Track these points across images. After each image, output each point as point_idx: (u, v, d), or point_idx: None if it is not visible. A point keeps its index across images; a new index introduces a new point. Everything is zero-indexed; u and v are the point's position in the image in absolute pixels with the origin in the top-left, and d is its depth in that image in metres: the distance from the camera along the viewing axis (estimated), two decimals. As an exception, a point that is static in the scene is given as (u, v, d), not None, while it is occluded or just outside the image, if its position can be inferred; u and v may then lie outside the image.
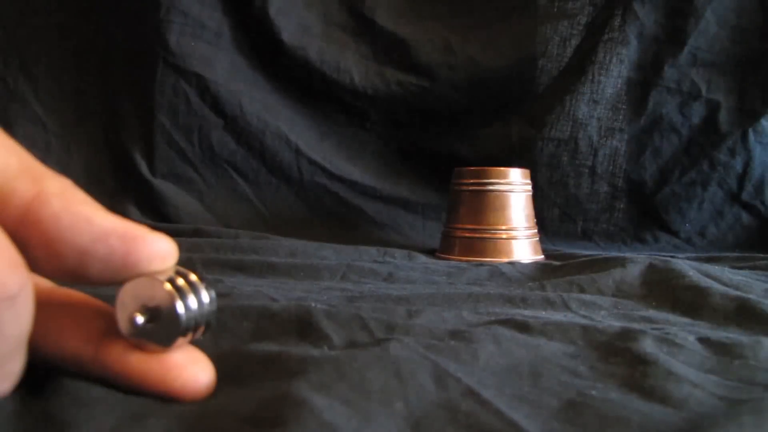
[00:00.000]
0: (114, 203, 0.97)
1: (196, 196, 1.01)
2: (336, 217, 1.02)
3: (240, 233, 0.84)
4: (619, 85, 0.97)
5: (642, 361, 0.30)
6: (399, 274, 0.61)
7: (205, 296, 0.23)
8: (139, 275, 0.22)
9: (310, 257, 0.68)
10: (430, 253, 0.80)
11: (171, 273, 0.23)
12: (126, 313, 0.22)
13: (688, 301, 0.47)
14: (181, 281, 0.22)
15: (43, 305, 0.22)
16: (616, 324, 0.39)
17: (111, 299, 0.23)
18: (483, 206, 0.77)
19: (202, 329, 0.23)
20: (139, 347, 0.23)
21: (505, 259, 0.74)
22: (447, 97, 1.03)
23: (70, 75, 1.04)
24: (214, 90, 1.01)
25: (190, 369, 0.23)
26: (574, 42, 0.99)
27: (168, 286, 0.22)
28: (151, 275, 0.22)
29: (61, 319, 0.23)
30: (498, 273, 0.65)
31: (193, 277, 0.23)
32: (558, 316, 0.42)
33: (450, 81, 1.02)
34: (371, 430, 0.21)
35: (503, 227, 0.76)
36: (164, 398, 0.23)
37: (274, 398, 0.23)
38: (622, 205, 1.00)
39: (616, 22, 0.96)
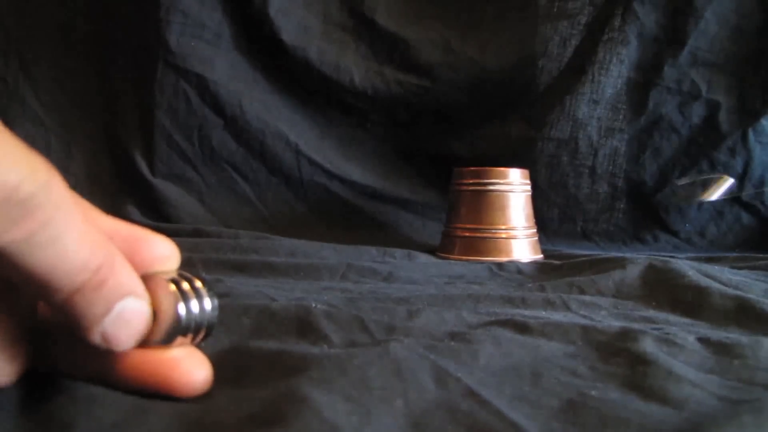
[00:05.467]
0: (114, 203, 0.97)
1: (196, 196, 1.01)
2: (336, 217, 1.02)
3: (240, 233, 0.84)
4: (619, 85, 0.97)
5: (642, 361, 0.30)
6: (399, 274, 0.61)
7: (208, 303, 0.24)
8: (142, 275, 0.22)
9: (310, 257, 0.68)
10: (430, 252, 0.80)
11: (175, 275, 0.23)
12: None
13: (688, 301, 0.47)
14: (185, 284, 0.23)
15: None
16: (616, 324, 0.39)
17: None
18: (483, 206, 0.77)
19: (202, 334, 0.24)
20: (139, 345, 0.23)
21: (505, 259, 0.74)
22: (447, 97, 1.03)
23: (70, 75, 1.04)
24: (214, 90, 1.01)
25: (187, 364, 0.23)
26: (574, 42, 0.99)
27: (171, 286, 0.23)
28: (155, 275, 0.23)
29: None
30: (498, 273, 0.65)
31: (197, 283, 0.24)
32: (558, 316, 0.42)
33: (450, 81, 1.02)
34: (372, 428, 0.21)
35: (503, 227, 0.76)
36: (164, 396, 0.23)
37: (275, 395, 0.23)
38: (622, 205, 1.00)
39: (616, 22, 0.96)
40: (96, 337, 0.21)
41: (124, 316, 0.21)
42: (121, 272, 0.21)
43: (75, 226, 0.19)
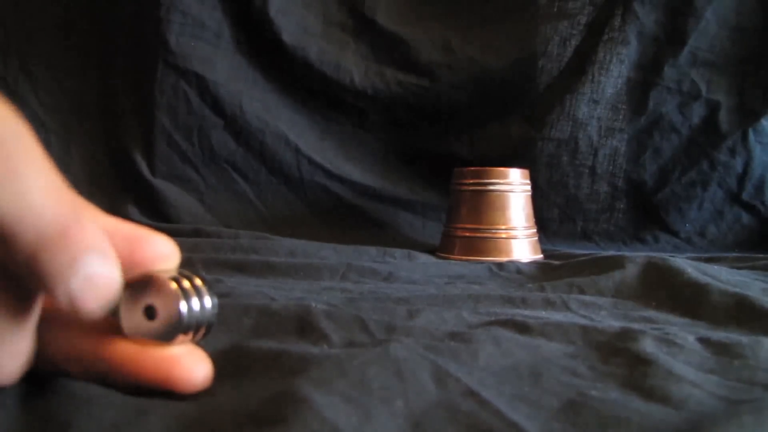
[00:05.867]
0: (114, 203, 0.97)
1: (196, 196, 1.01)
2: (336, 217, 1.02)
3: (240, 233, 0.84)
4: (619, 85, 0.97)
5: (642, 361, 0.30)
6: (399, 274, 0.61)
7: (208, 301, 0.24)
8: (144, 274, 0.23)
9: (310, 257, 0.68)
10: (430, 252, 0.80)
11: (175, 274, 0.24)
12: (129, 309, 0.23)
13: (688, 298, 0.47)
14: (186, 283, 0.23)
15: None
16: (616, 324, 0.39)
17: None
18: (483, 206, 0.77)
19: (202, 331, 0.24)
20: (140, 343, 0.23)
21: (505, 259, 0.74)
22: (447, 97, 1.03)
23: (70, 75, 1.04)
24: (214, 90, 1.01)
25: (188, 361, 0.23)
26: (574, 42, 0.99)
27: (172, 284, 0.23)
28: (156, 274, 0.23)
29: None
30: (498, 273, 0.65)
31: (197, 281, 0.24)
32: (558, 316, 0.42)
33: (450, 81, 1.02)
34: (372, 428, 0.21)
35: (503, 227, 0.76)
36: (164, 396, 0.23)
37: (275, 395, 0.23)
38: (622, 205, 1.00)
39: (616, 22, 0.96)
40: (63, 298, 0.20)
41: (91, 280, 0.20)
42: (85, 227, 0.20)
43: (42, 176, 0.19)
